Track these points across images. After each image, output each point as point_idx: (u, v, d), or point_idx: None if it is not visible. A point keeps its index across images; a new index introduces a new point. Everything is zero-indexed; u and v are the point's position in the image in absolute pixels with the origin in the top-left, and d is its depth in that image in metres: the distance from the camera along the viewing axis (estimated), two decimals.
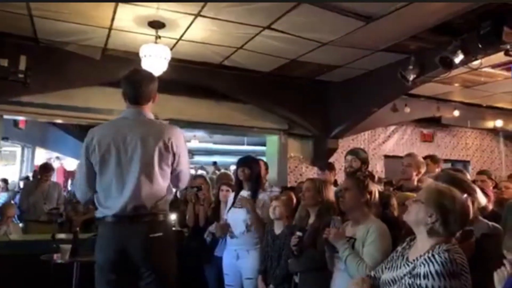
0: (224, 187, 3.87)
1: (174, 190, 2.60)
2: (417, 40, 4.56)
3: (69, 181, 10.91)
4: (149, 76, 2.44)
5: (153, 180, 2.21)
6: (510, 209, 2.71)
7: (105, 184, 2.23)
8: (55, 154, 10.71)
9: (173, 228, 3.22)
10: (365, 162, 3.45)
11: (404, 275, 1.74)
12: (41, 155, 9.96)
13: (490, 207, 2.89)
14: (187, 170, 2.42)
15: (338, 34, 4.41)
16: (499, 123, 7.93)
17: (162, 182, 2.25)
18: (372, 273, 1.98)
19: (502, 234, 2.15)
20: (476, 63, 4.63)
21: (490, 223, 2.20)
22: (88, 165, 2.26)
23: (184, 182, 2.45)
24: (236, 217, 3.48)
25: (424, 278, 1.62)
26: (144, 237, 2.16)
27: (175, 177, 2.36)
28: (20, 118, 6.66)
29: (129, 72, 2.43)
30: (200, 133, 9.92)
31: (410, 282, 1.66)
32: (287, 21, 4.08)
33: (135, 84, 2.33)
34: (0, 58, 4.50)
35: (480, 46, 3.97)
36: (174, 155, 2.27)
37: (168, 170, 2.28)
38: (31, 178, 7.28)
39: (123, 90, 2.35)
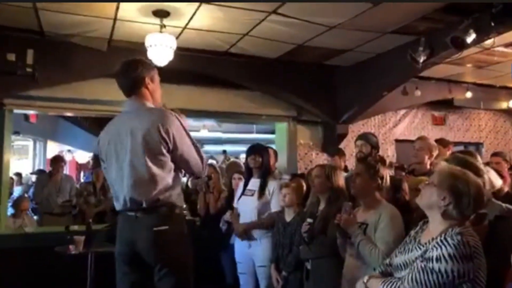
0: (236, 175, 3.88)
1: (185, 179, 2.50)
2: (427, 20, 4.45)
3: (82, 173, 11.05)
4: (128, 63, 2.31)
5: (146, 170, 2.09)
6: None
7: (112, 179, 2.24)
8: (67, 147, 10.83)
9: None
10: (375, 146, 3.42)
11: (416, 258, 1.72)
12: (53, 149, 10.07)
13: (506, 189, 2.85)
14: (191, 153, 2.21)
15: (346, 17, 4.32)
16: None
17: (159, 172, 2.11)
18: (388, 260, 1.96)
19: None
20: (488, 42, 4.51)
21: (504, 205, 2.17)
22: (103, 165, 2.31)
23: (196, 166, 2.25)
24: (246, 205, 3.48)
25: (436, 261, 1.60)
26: (148, 231, 2.09)
27: (182, 163, 2.22)
28: (30, 112, 6.68)
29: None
30: (209, 123, 9.92)
31: (423, 265, 1.64)
32: (294, 5, 4.01)
33: (117, 77, 2.30)
34: (7, 52, 4.52)
35: (492, 24, 3.86)
36: (165, 140, 2.10)
37: (165, 159, 2.13)
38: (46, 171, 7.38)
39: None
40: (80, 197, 5.53)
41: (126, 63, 2.31)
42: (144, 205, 2.11)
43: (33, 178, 7.55)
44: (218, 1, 3.87)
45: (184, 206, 2.34)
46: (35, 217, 5.59)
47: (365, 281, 1.86)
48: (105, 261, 3.77)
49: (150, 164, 2.10)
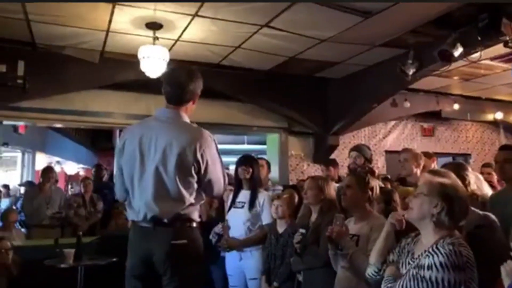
0: (228, 187, 3.86)
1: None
2: (416, 34, 4.55)
3: (69, 185, 10.90)
4: (188, 73, 2.21)
5: (174, 188, 2.05)
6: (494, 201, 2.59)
7: (131, 186, 2.15)
8: (56, 159, 10.71)
9: None
10: (368, 159, 3.44)
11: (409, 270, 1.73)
12: (42, 160, 9.95)
13: None
14: (217, 179, 2.18)
15: (337, 31, 4.40)
16: (499, 115, 7.90)
17: (185, 191, 2.07)
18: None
19: (494, 223, 2.13)
20: (475, 55, 4.61)
21: (481, 212, 2.17)
22: (119, 167, 2.19)
23: (217, 190, 2.23)
24: (236, 218, 3.46)
25: (428, 269, 1.59)
26: (166, 244, 2.04)
27: (206, 185, 2.18)
28: (20, 123, 6.64)
29: (170, 69, 2.30)
30: None
31: (414, 273, 1.63)
32: (285, 19, 4.07)
33: (170, 82, 2.17)
34: None
35: (479, 38, 3.96)
36: (199, 162, 2.07)
37: (192, 180, 2.09)
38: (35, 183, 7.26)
39: (162, 88, 2.19)
40: (70, 209, 5.46)
41: (186, 72, 2.21)
42: (165, 216, 2.06)
43: (22, 190, 7.43)
44: (218, 0, 3.84)
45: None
46: (23, 230, 5.50)
47: None
48: (95, 274, 3.73)
49: (179, 183, 2.05)
